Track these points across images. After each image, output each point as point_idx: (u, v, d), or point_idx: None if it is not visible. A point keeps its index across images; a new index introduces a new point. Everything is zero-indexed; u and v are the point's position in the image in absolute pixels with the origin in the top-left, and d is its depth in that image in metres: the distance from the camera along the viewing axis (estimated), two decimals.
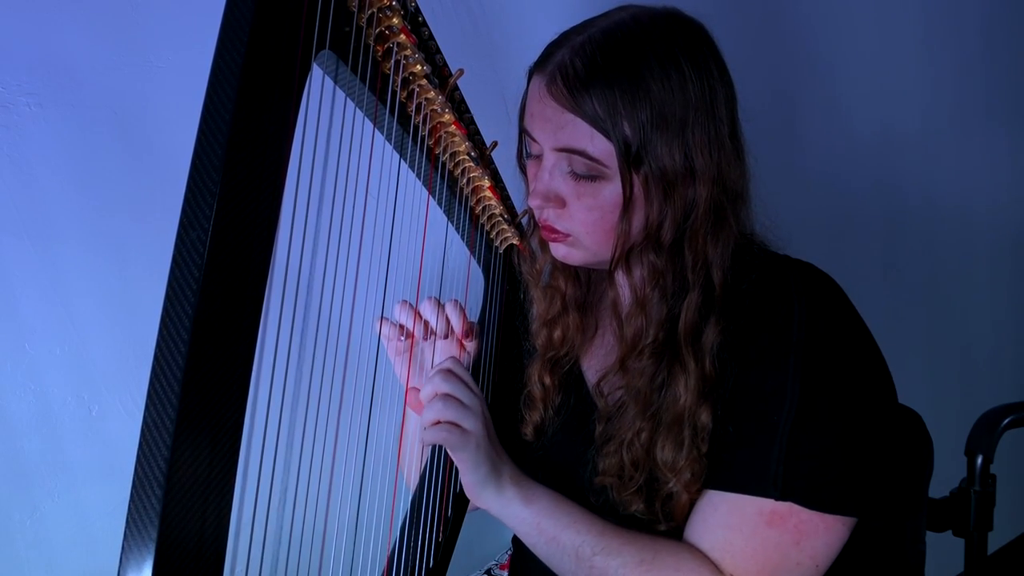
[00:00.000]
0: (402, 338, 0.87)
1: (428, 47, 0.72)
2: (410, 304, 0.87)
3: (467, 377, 0.78)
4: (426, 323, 0.87)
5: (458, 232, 0.96)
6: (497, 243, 1.01)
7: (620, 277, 0.82)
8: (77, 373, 1.03)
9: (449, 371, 0.77)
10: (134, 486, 0.45)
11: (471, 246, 0.98)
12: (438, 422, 0.75)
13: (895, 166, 1.95)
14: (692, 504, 0.76)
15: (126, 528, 0.44)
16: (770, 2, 1.66)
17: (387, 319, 0.87)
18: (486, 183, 0.90)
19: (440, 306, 0.87)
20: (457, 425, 0.74)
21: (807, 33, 1.74)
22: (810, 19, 1.73)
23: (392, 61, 0.68)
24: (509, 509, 0.78)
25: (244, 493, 0.50)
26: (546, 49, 0.76)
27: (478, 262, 1.01)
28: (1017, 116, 2.21)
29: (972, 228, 2.15)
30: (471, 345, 0.92)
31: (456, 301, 0.87)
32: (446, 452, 0.86)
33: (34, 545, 1.03)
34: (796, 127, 1.75)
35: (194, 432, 0.46)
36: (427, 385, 0.77)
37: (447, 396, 0.75)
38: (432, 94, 0.74)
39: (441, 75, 0.75)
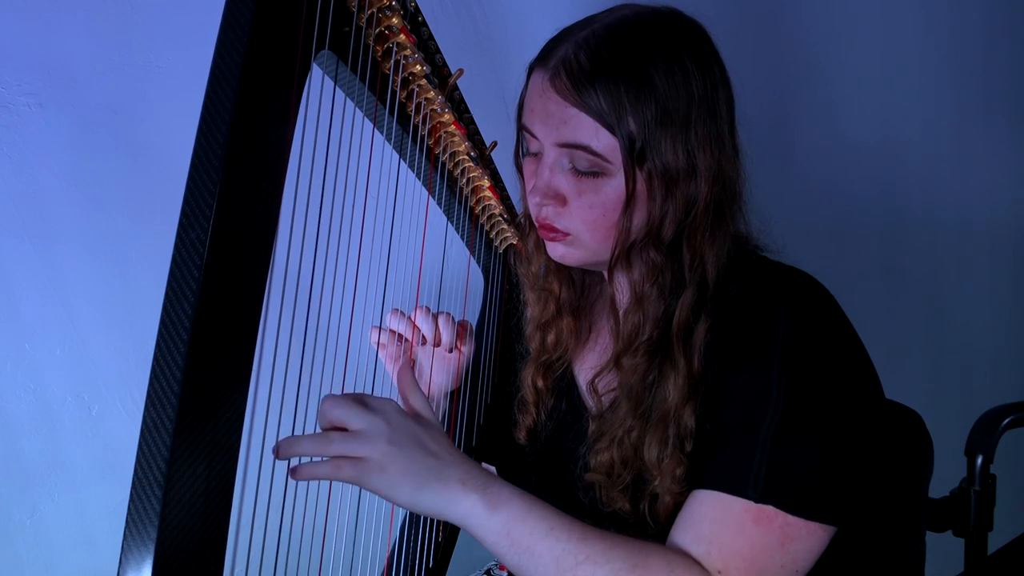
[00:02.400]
0: (397, 343, 0.87)
1: (428, 47, 0.72)
2: (401, 312, 0.87)
3: (356, 396, 0.67)
4: (421, 332, 0.87)
5: (458, 232, 0.96)
6: (497, 243, 1.01)
7: (619, 274, 0.82)
8: (77, 373, 1.03)
9: (331, 397, 0.66)
10: (134, 486, 0.45)
11: (471, 246, 0.98)
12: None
13: (895, 169, 1.95)
14: (676, 507, 0.75)
15: (126, 528, 0.44)
16: (768, 5, 1.66)
17: (380, 327, 0.87)
18: (486, 183, 0.90)
19: (433, 316, 0.87)
20: (347, 458, 0.64)
21: (806, 37, 1.73)
22: (808, 22, 1.73)
23: (392, 61, 0.68)
24: (471, 520, 0.68)
25: (244, 493, 0.50)
26: (547, 45, 0.75)
27: (477, 262, 1.01)
28: (1017, 118, 2.21)
29: (972, 229, 2.15)
30: (466, 349, 0.91)
31: (448, 314, 0.86)
32: None
33: (34, 545, 1.03)
34: (796, 131, 1.75)
35: (194, 432, 0.46)
36: (319, 417, 0.66)
37: (329, 431, 0.64)
38: (432, 94, 0.74)
39: (441, 75, 0.75)
